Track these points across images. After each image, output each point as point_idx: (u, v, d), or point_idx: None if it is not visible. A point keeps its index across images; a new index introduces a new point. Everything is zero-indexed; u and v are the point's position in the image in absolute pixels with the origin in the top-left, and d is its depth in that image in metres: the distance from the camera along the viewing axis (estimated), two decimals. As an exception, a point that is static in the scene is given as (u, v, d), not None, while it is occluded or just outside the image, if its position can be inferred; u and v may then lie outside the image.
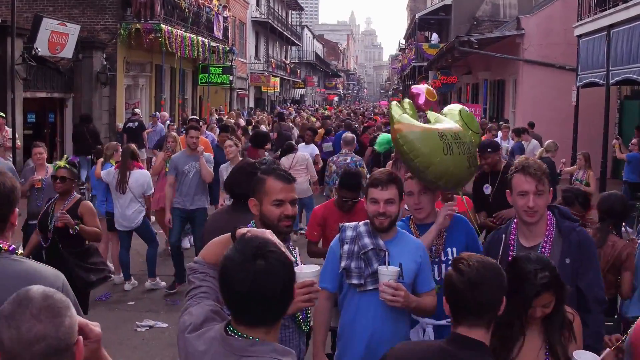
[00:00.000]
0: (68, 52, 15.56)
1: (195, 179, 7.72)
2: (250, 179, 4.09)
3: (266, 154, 9.28)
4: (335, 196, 8.84)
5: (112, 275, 8.26)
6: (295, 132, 16.88)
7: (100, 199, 8.28)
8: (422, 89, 4.18)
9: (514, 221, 3.24)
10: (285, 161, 9.48)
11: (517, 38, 18.89)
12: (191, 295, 2.17)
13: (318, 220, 5.16)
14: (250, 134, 12.28)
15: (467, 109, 4.20)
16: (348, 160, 8.72)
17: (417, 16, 37.58)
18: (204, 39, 22.30)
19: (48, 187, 6.89)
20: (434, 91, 4.21)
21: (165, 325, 6.75)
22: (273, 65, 42.01)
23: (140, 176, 7.77)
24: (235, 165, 4.73)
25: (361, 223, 3.39)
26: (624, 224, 5.01)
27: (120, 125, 17.07)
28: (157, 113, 17.99)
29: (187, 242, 9.41)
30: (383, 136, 8.12)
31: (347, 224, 3.46)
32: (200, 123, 14.46)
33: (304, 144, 11.77)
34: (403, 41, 55.45)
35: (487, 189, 6.13)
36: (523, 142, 12.91)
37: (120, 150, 8.20)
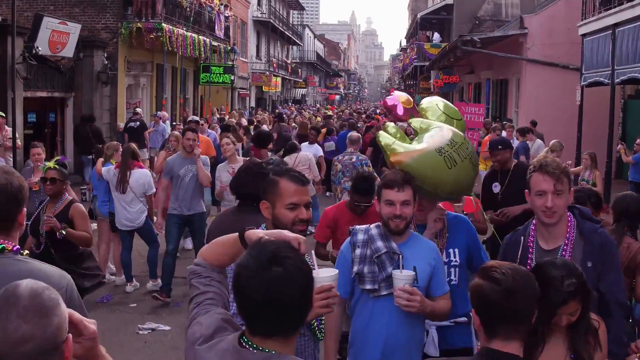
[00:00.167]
0: (69, 51, 15.49)
1: (192, 182, 7.43)
2: (257, 179, 4.00)
3: (269, 153, 9.19)
4: (340, 194, 8.85)
5: (111, 279, 8.18)
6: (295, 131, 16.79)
7: (101, 199, 8.18)
8: (396, 98, 4.10)
9: (532, 222, 3.12)
10: (287, 161, 9.36)
11: (520, 37, 18.81)
12: (197, 303, 2.02)
13: (328, 222, 5.03)
14: (252, 133, 12.19)
15: (443, 100, 4.13)
16: (354, 159, 8.64)
17: (418, 16, 37.57)
18: (205, 39, 22.23)
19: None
20: (408, 97, 4.15)
21: (167, 328, 6.64)
22: (274, 65, 41.95)
23: (140, 176, 7.67)
24: (241, 166, 4.62)
25: (372, 225, 3.29)
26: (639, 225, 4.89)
27: (121, 124, 16.99)
28: (159, 113, 17.91)
29: (188, 243, 9.29)
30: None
31: (357, 226, 3.35)
32: (202, 121, 14.41)
33: (306, 143, 11.67)
34: (404, 41, 55.43)
35: (496, 187, 6.02)
36: (528, 142, 12.80)
37: (121, 150, 8.09)
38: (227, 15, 26.99)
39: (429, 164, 3.38)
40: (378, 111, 34.61)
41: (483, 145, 12.28)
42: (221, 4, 26.22)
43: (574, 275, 2.39)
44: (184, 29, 19.99)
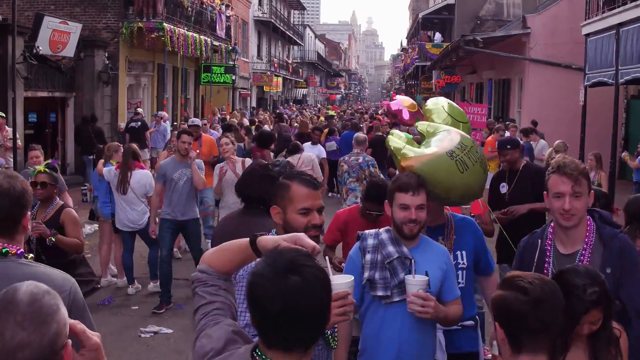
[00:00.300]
0: (69, 51, 15.43)
1: (186, 187, 7.17)
2: (263, 181, 3.92)
3: (271, 154, 9.11)
4: (346, 195, 8.77)
5: (112, 281, 8.10)
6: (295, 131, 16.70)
7: (102, 200, 8.10)
8: (400, 103, 4.04)
9: (550, 225, 3.03)
10: (291, 162, 9.29)
11: (523, 37, 18.76)
12: (204, 313, 1.91)
13: (339, 225, 4.93)
14: (254, 133, 12.10)
15: (448, 101, 4.06)
16: (360, 160, 8.55)
17: (420, 15, 37.58)
18: (206, 38, 22.15)
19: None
20: (412, 101, 4.09)
21: (170, 331, 6.55)
22: (275, 65, 41.89)
23: (142, 176, 7.59)
24: (246, 167, 4.53)
25: (382, 230, 3.20)
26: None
27: (122, 124, 16.92)
28: (160, 112, 17.84)
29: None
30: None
31: (367, 231, 3.25)
32: (204, 121, 14.33)
33: (309, 144, 11.57)
34: (405, 41, 55.37)
35: (504, 188, 5.92)
36: (531, 142, 12.72)
37: (121, 150, 8.00)
38: (228, 15, 26.91)
39: (442, 169, 3.31)
40: (380, 111, 34.52)
41: (486, 146, 12.20)
42: (222, 4, 26.16)
43: (596, 284, 2.31)
44: (185, 28, 19.91)
